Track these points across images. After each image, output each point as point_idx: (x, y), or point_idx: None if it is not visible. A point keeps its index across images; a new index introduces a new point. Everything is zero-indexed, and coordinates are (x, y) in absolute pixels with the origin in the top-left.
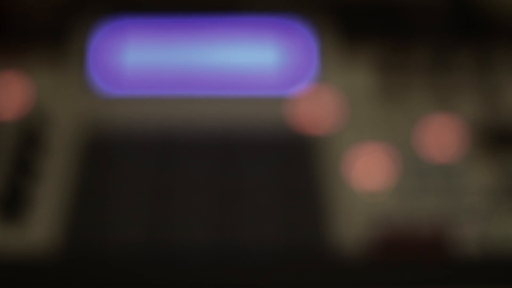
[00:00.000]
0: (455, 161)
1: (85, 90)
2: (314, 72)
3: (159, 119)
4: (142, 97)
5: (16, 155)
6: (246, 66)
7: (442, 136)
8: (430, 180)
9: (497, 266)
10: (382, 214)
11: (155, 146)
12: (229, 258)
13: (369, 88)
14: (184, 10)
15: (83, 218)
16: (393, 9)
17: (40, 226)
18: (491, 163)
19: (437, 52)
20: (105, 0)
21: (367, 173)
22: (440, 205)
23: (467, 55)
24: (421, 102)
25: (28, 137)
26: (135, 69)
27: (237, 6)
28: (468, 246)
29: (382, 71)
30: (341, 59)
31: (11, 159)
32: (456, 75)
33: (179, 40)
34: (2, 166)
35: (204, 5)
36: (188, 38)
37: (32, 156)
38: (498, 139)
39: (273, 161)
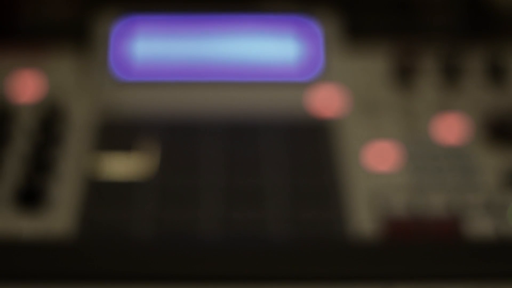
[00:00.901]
0: (468, 147)
1: (104, 80)
2: (327, 62)
3: (180, 105)
4: (162, 84)
5: (34, 140)
6: (260, 55)
7: (454, 121)
8: (443, 163)
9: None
10: (395, 196)
11: (176, 130)
12: (244, 243)
13: (381, 74)
14: (200, 12)
15: (97, 204)
16: (403, 6)
17: (56, 213)
18: (504, 152)
19: (447, 48)
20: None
21: (381, 156)
22: (454, 189)
23: (478, 52)
24: (433, 86)
25: (46, 123)
26: (157, 58)
27: (249, 8)
28: (483, 229)
29: (393, 58)
30: (352, 50)
31: (30, 144)
32: (466, 69)
33: (198, 34)
34: (21, 153)
35: (218, 8)
36: (206, 33)
37: (51, 141)
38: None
39: (289, 144)
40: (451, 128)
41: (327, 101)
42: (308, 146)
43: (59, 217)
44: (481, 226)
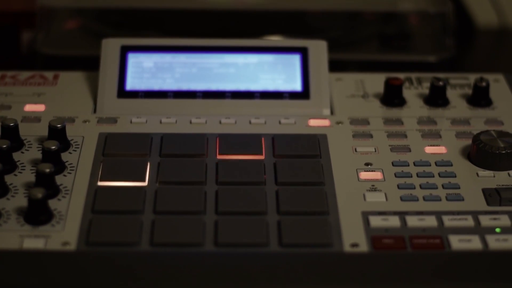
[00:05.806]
0: (455, 162)
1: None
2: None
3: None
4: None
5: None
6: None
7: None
8: (431, 177)
9: (498, 258)
10: (381, 209)
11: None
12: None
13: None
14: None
15: (91, 217)
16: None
17: (51, 226)
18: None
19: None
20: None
21: (368, 168)
22: (441, 203)
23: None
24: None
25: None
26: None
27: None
28: (469, 242)
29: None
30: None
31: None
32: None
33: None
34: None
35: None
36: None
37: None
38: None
39: (284, 153)
40: (438, 143)
41: (322, 114)
42: (302, 156)
43: (54, 229)
44: (467, 241)
